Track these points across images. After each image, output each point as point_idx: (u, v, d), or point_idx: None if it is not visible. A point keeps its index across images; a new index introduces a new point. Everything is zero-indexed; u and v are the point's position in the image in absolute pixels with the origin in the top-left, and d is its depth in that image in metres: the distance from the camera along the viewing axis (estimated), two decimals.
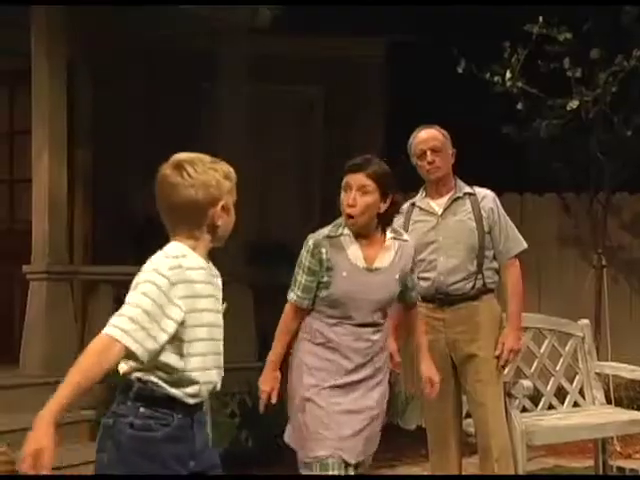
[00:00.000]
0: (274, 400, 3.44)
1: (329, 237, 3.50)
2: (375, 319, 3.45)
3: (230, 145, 6.35)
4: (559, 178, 7.18)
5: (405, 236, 3.51)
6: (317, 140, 8.00)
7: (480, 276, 4.03)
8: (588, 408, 5.13)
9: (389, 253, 3.45)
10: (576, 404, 5.15)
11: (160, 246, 2.44)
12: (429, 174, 4.12)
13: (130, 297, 2.29)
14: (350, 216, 3.37)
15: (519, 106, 6.79)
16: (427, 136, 4.13)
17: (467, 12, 7.21)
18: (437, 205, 4.13)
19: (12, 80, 6.82)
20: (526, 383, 4.55)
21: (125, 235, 6.90)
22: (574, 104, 6.63)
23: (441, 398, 3.96)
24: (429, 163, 4.09)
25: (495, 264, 4.12)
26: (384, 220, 3.44)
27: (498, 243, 4.10)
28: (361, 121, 8.01)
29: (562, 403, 5.14)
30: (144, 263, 2.38)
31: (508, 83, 6.75)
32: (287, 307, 3.49)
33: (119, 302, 2.32)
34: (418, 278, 3.92)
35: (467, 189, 4.15)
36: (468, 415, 4.34)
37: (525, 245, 4.15)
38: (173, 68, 7.15)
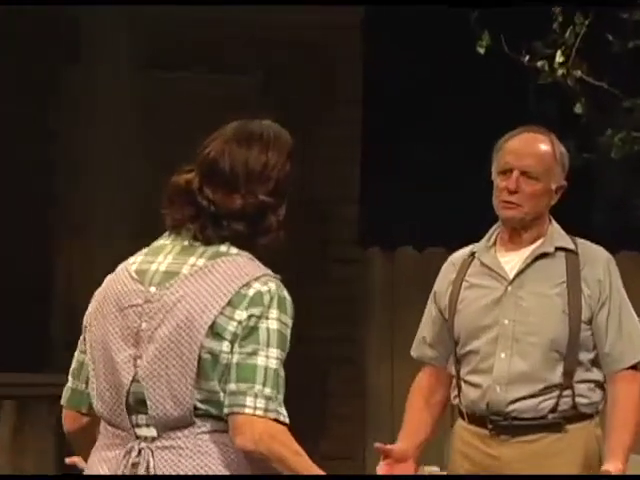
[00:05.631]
0: None
1: None
2: None
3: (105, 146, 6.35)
4: None
5: None
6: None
7: (568, 392, 3.49)
8: None
9: None
10: None
11: None
12: (501, 210, 3.45)
13: None
14: None
15: (577, 108, 5.72)
16: (525, 147, 3.48)
17: None
18: (509, 262, 3.55)
19: None
20: None
21: None
22: None
23: None
24: (509, 192, 3.41)
25: (597, 374, 3.55)
26: None
27: (604, 341, 3.52)
28: (323, 121, 6.89)
29: None
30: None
31: (560, 71, 5.62)
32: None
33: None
34: (463, 382, 3.55)
35: (563, 241, 3.54)
36: None
37: None
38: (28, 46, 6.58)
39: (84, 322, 2.28)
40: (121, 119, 6.50)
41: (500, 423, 3.53)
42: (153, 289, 2.22)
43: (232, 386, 2.15)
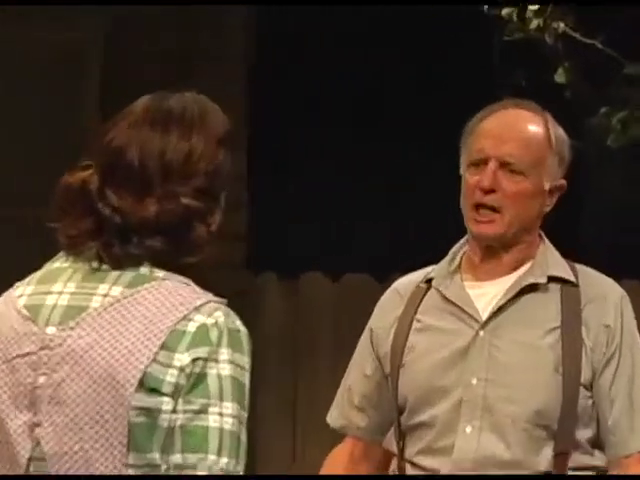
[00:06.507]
0: None
1: None
2: None
3: None
4: None
5: None
6: (91, 116, 6.51)
7: None
8: None
9: None
10: None
11: None
12: (471, 223, 2.94)
13: None
14: None
15: (559, 76, 5.03)
16: (506, 128, 2.98)
17: None
18: (482, 297, 3.07)
19: None
20: None
21: None
22: None
23: None
24: (483, 192, 2.87)
25: (600, 458, 3.04)
26: None
27: (609, 411, 3.02)
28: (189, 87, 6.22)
29: None
30: None
31: (534, 22, 5.01)
32: None
33: None
34: (410, 464, 3.23)
35: (559, 269, 3.00)
36: None
37: None
38: None
39: None
40: None
41: None
42: (52, 330, 2.03)
43: (177, 458, 1.94)
